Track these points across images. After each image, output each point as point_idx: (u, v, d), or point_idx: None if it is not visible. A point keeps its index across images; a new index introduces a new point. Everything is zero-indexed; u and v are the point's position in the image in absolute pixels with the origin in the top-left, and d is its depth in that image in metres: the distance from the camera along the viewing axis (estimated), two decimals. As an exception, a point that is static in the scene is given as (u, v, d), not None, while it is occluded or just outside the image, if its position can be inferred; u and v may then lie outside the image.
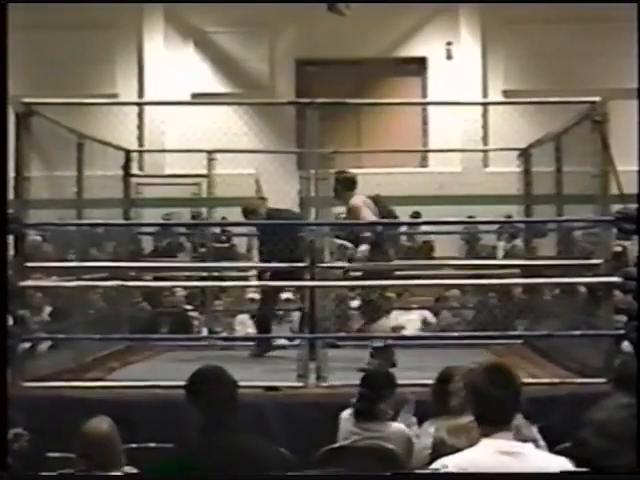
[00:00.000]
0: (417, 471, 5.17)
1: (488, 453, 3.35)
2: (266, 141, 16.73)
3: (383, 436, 5.67)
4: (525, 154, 9.85)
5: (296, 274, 7.73)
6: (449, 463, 3.38)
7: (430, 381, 5.69)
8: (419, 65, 19.26)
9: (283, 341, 9.60)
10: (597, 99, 7.39)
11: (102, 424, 4.81)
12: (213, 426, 4.04)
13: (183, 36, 19.03)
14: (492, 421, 3.42)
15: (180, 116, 17.10)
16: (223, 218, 12.40)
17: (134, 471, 4.72)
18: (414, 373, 7.14)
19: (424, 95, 18.98)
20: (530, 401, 5.45)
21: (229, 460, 3.90)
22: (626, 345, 7.26)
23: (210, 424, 4.04)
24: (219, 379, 4.19)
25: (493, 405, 3.43)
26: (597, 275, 7.31)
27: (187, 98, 17.92)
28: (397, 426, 5.74)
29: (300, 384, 7.14)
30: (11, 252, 7.01)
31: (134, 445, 5.26)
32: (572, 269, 7.92)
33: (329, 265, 7.79)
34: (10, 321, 6.90)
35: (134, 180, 10.30)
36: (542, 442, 5.17)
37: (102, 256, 9.68)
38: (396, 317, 12.05)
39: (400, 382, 6.37)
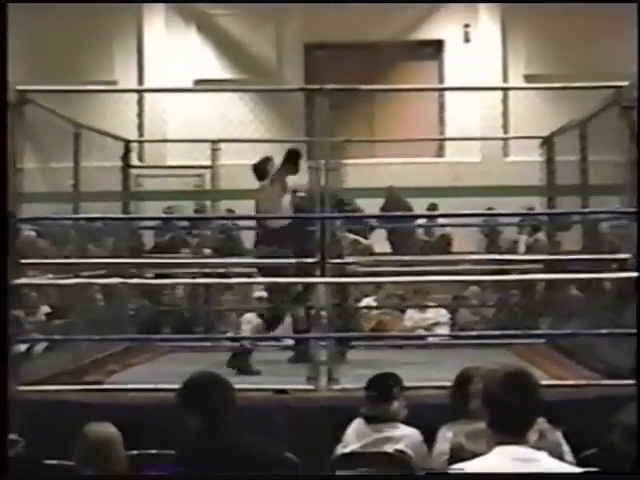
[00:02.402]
0: (418, 473, 5.22)
1: (502, 460, 3.35)
2: (273, 130, 16.76)
3: (394, 437, 5.68)
4: (548, 142, 9.83)
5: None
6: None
7: (448, 383, 5.69)
8: (435, 48, 19.23)
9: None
10: (625, 83, 7.35)
11: (105, 429, 4.82)
12: (213, 432, 4.07)
13: (185, 19, 19.02)
14: (508, 431, 3.41)
15: (182, 104, 17.13)
16: (228, 211, 12.42)
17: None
18: (431, 374, 7.14)
19: (440, 80, 18.96)
20: (554, 404, 5.47)
21: (233, 466, 3.94)
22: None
23: (210, 430, 4.08)
24: (213, 385, 4.24)
25: (510, 415, 3.42)
26: (624, 270, 7.29)
27: (190, 85, 17.94)
28: (408, 428, 5.76)
29: (310, 387, 7.15)
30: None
31: (135, 452, 5.27)
32: (598, 264, 7.91)
33: (340, 261, 7.78)
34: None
35: (134, 172, 10.31)
36: (566, 447, 5.17)
37: (100, 252, 9.70)
38: (411, 316, 12.07)
39: (417, 384, 6.39)
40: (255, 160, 8.85)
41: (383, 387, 5.87)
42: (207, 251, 11.57)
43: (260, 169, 8.70)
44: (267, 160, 8.76)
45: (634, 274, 7.13)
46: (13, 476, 4.63)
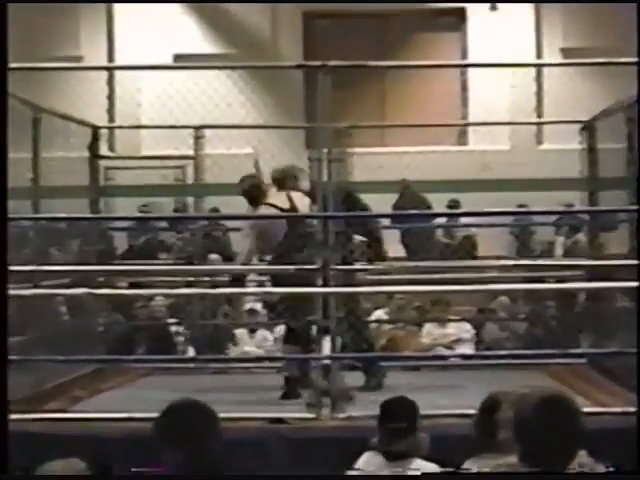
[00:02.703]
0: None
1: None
2: (267, 114, 16.75)
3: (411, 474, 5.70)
4: (589, 127, 9.84)
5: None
6: None
7: (472, 410, 5.68)
8: (457, 18, 19.26)
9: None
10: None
11: (71, 467, 4.81)
12: (192, 468, 4.09)
13: (163, -16, 19.06)
14: (543, 466, 3.41)
15: (160, 83, 17.10)
16: (214, 209, 12.44)
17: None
18: (453, 400, 7.14)
19: (463, 55, 18.98)
20: (597, 434, 5.46)
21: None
22: None
23: (189, 467, 4.10)
24: (197, 414, 4.25)
25: (545, 447, 3.41)
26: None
27: (169, 61, 17.95)
28: (427, 463, 5.76)
29: (311, 415, 7.15)
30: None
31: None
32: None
33: (346, 267, 7.78)
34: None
35: (103, 163, 10.33)
36: (611, 485, 5.17)
37: (65, 257, 9.70)
38: (430, 331, 12.07)
39: (437, 412, 6.39)
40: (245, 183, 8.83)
41: (403, 416, 5.86)
42: (214, 256, 11.59)
43: (250, 196, 8.73)
44: (256, 187, 8.78)
45: (634, 284, 7.13)
46: (13, 476, 4.68)
